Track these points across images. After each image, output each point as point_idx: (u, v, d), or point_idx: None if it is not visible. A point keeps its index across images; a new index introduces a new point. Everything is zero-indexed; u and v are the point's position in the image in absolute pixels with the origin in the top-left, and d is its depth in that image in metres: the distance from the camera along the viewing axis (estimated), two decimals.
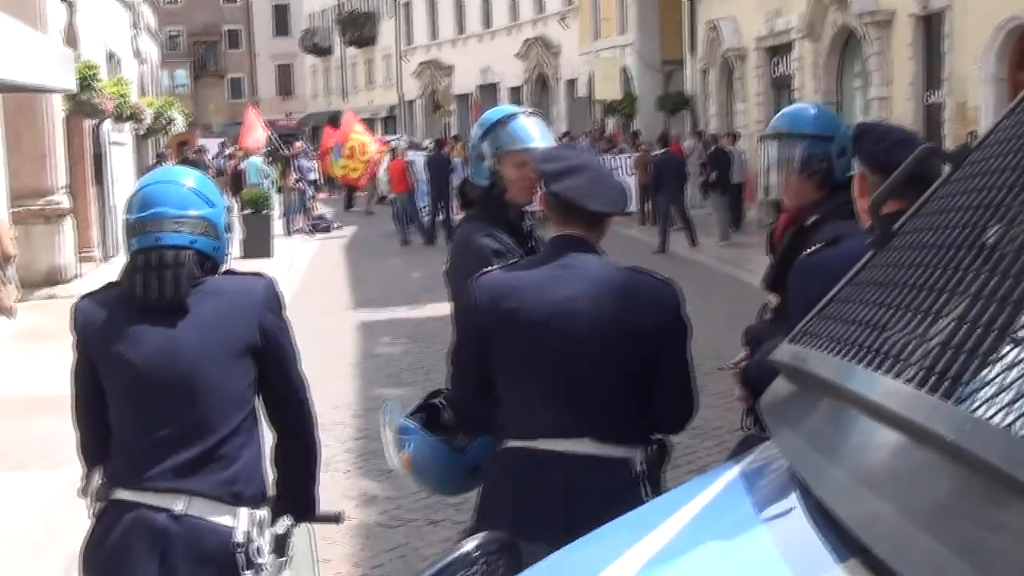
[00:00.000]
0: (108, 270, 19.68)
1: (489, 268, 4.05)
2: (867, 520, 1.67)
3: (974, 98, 19.71)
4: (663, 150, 26.20)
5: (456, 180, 23.94)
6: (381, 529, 7.57)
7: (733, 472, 2.45)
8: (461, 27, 55.92)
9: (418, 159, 30.61)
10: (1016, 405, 1.50)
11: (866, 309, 2.19)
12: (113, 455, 3.68)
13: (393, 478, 8.56)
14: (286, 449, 3.90)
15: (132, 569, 3.52)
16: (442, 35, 57.91)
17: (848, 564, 1.74)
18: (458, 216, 4.88)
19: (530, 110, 4.93)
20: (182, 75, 79.68)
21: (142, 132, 27.69)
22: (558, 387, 3.75)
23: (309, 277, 22.44)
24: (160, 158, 30.31)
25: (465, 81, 53.67)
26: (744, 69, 30.36)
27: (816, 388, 2.21)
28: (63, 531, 7.18)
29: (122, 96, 21.81)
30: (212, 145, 46.98)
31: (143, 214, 3.68)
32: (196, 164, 31.76)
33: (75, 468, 3.85)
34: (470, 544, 2.52)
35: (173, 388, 3.59)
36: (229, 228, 3.96)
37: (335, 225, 33.34)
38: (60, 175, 18.72)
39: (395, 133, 52.88)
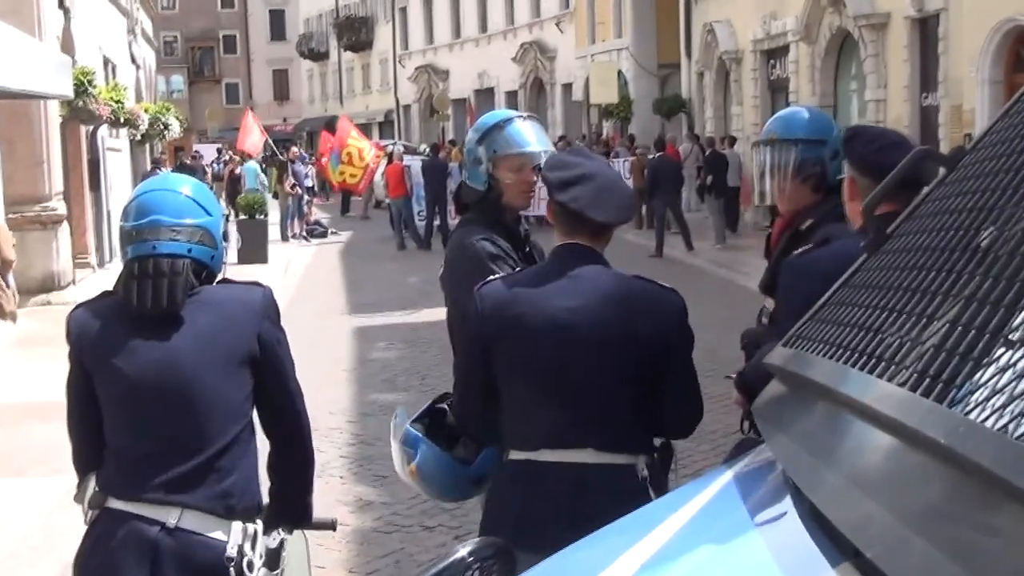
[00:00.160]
0: (103, 276, 19.68)
1: (492, 277, 4.03)
2: (860, 524, 1.67)
3: (970, 100, 19.71)
4: (659, 154, 26.20)
5: (452, 185, 23.96)
6: (376, 535, 7.56)
7: (727, 476, 2.44)
8: (457, 32, 55.91)
9: (414, 164, 30.61)
10: (1009, 408, 1.50)
11: (860, 312, 2.18)
12: (107, 465, 3.65)
13: (388, 484, 8.56)
14: (282, 459, 3.88)
15: None
16: (438, 40, 57.90)
17: (841, 568, 1.73)
18: (454, 220, 4.87)
19: (527, 114, 4.92)
20: (178, 80, 79.55)
21: (138, 138, 27.64)
22: (559, 396, 3.74)
23: (305, 282, 22.43)
24: (156, 164, 30.33)
25: (461, 86, 53.66)
26: (740, 72, 30.37)
27: (809, 391, 2.20)
28: (61, 537, 7.17)
29: (118, 102, 21.78)
30: (208, 151, 47.02)
31: (139, 222, 3.64)
32: (193, 170, 31.82)
33: (73, 474, 3.84)
34: (464, 550, 2.51)
35: (168, 400, 3.55)
36: (226, 237, 3.93)
37: (331, 230, 33.33)
38: (56, 181, 18.70)
39: (391, 138, 52.86)
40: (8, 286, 11.68)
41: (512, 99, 48.37)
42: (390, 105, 63.70)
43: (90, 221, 21.89)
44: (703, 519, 2.27)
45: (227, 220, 4.69)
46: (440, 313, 4.97)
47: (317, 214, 35.59)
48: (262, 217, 26.00)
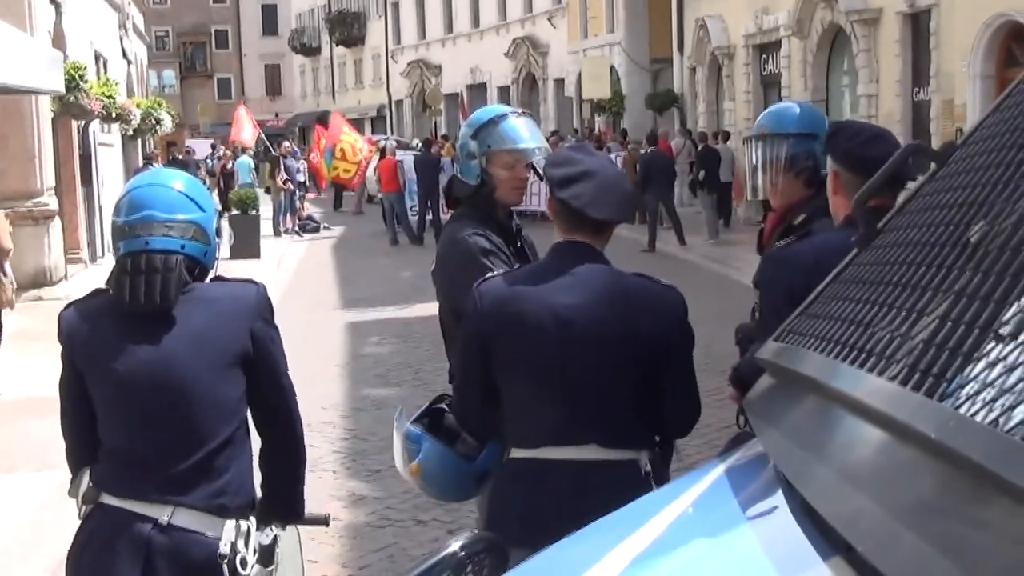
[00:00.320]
0: (95, 272, 19.66)
1: (492, 274, 4.03)
2: (851, 518, 1.67)
3: (961, 95, 19.74)
4: (651, 149, 26.19)
5: (445, 180, 23.95)
6: (369, 529, 7.56)
7: (718, 470, 2.44)
8: (450, 26, 55.88)
9: (407, 159, 30.58)
10: (1000, 402, 1.50)
11: (850, 307, 2.18)
12: (101, 461, 3.64)
13: (381, 478, 8.57)
14: (273, 455, 3.86)
15: None
16: (431, 35, 57.87)
17: (832, 562, 1.74)
18: (447, 215, 4.87)
19: (520, 110, 4.92)
20: (170, 75, 79.51)
21: (130, 133, 27.61)
22: (559, 394, 3.73)
23: (297, 277, 22.42)
24: (149, 160, 30.27)
25: (454, 81, 53.65)
26: (733, 67, 30.37)
27: (800, 386, 2.20)
28: (52, 533, 7.16)
29: (110, 97, 21.74)
30: (200, 146, 46.92)
31: (131, 217, 3.61)
32: (186, 165, 31.79)
33: (64, 470, 3.83)
34: (456, 544, 2.51)
35: (162, 398, 3.54)
36: (219, 232, 3.91)
37: (323, 225, 33.31)
38: (47, 176, 18.66)
39: (384, 133, 52.88)
40: (5, 275, 11.72)
41: (504, 94, 48.36)
42: (382, 100, 63.68)
43: (82, 216, 21.86)
44: (694, 513, 2.27)
45: (220, 216, 4.66)
46: (433, 308, 4.97)
47: (309, 209, 35.55)
48: (254, 212, 25.97)
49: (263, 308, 3.73)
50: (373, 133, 52.78)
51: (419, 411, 4.40)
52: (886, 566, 1.51)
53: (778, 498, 2.06)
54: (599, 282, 3.78)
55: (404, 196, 29.18)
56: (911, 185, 3.14)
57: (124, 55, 32.51)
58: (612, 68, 37.28)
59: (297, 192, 32.55)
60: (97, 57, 26.08)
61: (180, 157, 38.48)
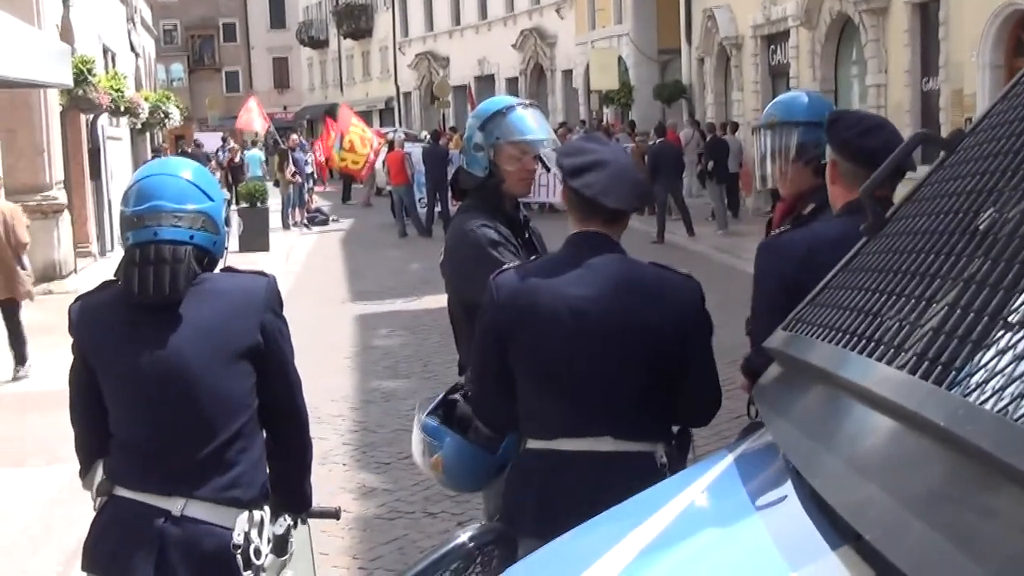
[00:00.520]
0: (105, 265, 19.68)
1: (508, 265, 4.02)
2: (860, 507, 1.66)
3: (971, 85, 19.70)
4: (660, 140, 26.15)
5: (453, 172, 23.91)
6: (379, 522, 7.56)
7: (727, 460, 2.44)
8: (457, 18, 55.81)
9: (415, 151, 30.57)
10: (1009, 390, 1.49)
11: (859, 295, 2.18)
12: (113, 453, 3.64)
13: (391, 471, 8.57)
14: (280, 448, 3.85)
15: (128, 570, 3.49)
16: (438, 26, 57.81)
17: (841, 551, 1.73)
18: (455, 207, 4.86)
19: (528, 101, 4.91)
20: (178, 69, 79.53)
21: (138, 126, 27.67)
22: (575, 385, 3.72)
23: (306, 270, 22.42)
24: (157, 152, 30.30)
25: (462, 72, 53.59)
26: (741, 58, 30.33)
27: (809, 375, 2.20)
28: (61, 527, 7.18)
29: (118, 91, 21.79)
30: (208, 139, 46.94)
31: (140, 207, 3.58)
32: (196, 159, 31.80)
33: (72, 464, 3.83)
34: (465, 535, 2.51)
35: (172, 391, 3.53)
36: (227, 222, 3.90)
37: (332, 218, 33.31)
38: (56, 170, 18.70)
39: (392, 125, 52.81)
40: (24, 267, 12.00)
41: (512, 86, 48.31)
42: (390, 92, 63.63)
43: (91, 210, 21.90)
44: (703, 503, 2.27)
45: (228, 206, 4.67)
46: (442, 300, 4.96)
47: (318, 202, 35.58)
48: (263, 205, 26.00)
49: (273, 301, 3.72)
50: (381, 125, 52.72)
51: (434, 403, 4.39)
52: (895, 555, 1.51)
53: (787, 488, 2.06)
54: (614, 273, 3.76)
55: (413, 188, 29.19)
56: (910, 175, 3.14)
57: (132, 49, 32.55)
58: (620, 59, 37.24)
59: (306, 185, 32.56)
60: (105, 51, 26.11)
61: (189, 150, 38.50)
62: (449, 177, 25.67)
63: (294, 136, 35.26)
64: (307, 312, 15.11)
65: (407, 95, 61.89)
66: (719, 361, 3.88)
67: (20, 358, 12.15)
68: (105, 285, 3.73)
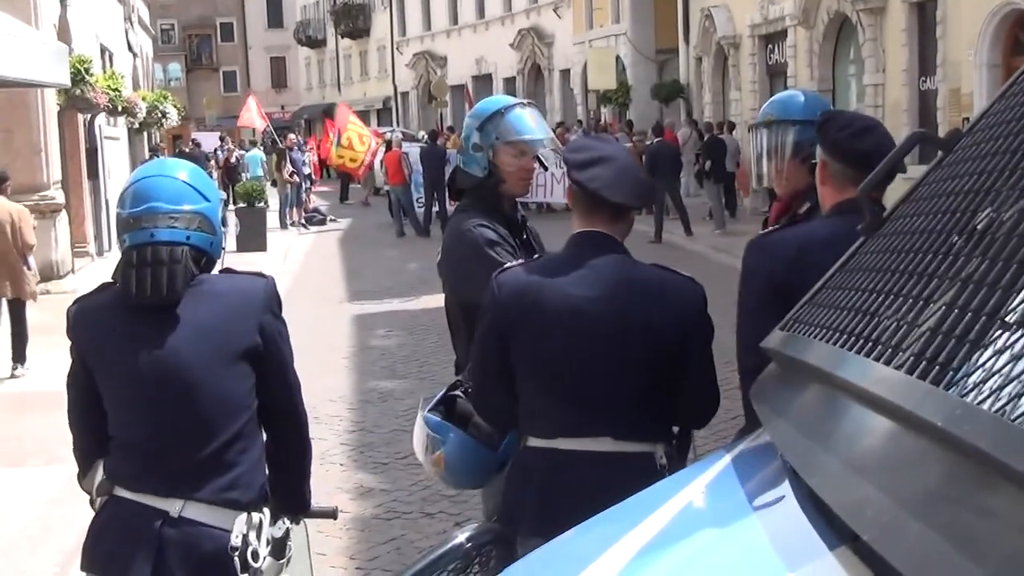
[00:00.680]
0: (102, 265, 19.68)
1: (510, 264, 4.02)
2: (858, 507, 1.66)
3: (968, 84, 19.71)
4: (657, 139, 26.16)
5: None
6: (377, 522, 7.56)
7: (725, 460, 2.44)
8: (455, 18, 55.84)
9: (412, 150, 30.58)
10: (1007, 390, 1.49)
11: (857, 295, 2.18)
12: (112, 454, 3.64)
13: (388, 471, 8.58)
14: (279, 449, 3.85)
15: (126, 571, 3.49)
16: (436, 26, 57.82)
17: (839, 551, 1.73)
18: (453, 207, 4.87)
19: (526, 101, 4.92)
20: (175, 68, 79.47)
21: (136, 126, 27.66)
22: (575, 385, 3.73)
23: (304, 270, 22.42)
24: (155, 152, 30.27)
25: (459, 72, 53.59)
26: (738, 57, 30.35)
27: (807, 375, 2.20)
28: (59, 527, 7.18)
29: (115, 90, 21.78)
30: (206, 139, 46.94)
31: (136, 209, 3.58)
32: (195, 158, 31.81)
33: (71, 464, 3.83)
34: (462, 536, 2.51)
35: (171, 392, 3.52)
36: (224, 222, 3.90)
37: (330, 218, 33.31)
38: (54, 170, 18.69)
39: (390, 125, 52.80)
40: (29, 268, 12.23)
41: (510, 85, 48.32)
42: (388, 92, 63.63)
43: (88, 210, 21.88)
44: (701, 503, 2.27)
45: (225, 206, 4.67)
46: (439, 300, 4.96)
47: (316, 201, 35.58)
48: (261, 205, 25.99)
49: (272, 302, 3.71)
50: (379, 125, 52.74)
51: (435, 399, 4.40)
52: (893, 555, 1.50)
53: (785, 488, 2.06)
54: (616, 274, 3.76)
55: (410, 188, 29.19)
56: (901, 176, 3.14)
57: (130, 48, 32.54)
58: (618, 58, 37.25)
59: (303, 185, 32.57)
60: (103, 50, 26.10)
61: (186, 150, 38.50)
62: (447, 177, 25.89)
63: (291, 136, 35.27)
64: (305, 312, 15.10)
65: (405, 95, 61.90)
66: (717, 361, 3.88)
67: (20, 357, 12.25)
68: (103, 287, 3.72)
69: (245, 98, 35.85)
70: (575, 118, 40.71)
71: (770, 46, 29.19)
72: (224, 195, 27.64)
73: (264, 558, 3.58)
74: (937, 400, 1.59)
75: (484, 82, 51.00)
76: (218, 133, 51.65)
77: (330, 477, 8.30)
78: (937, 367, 1.67)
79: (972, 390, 1.56)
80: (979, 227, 1.88)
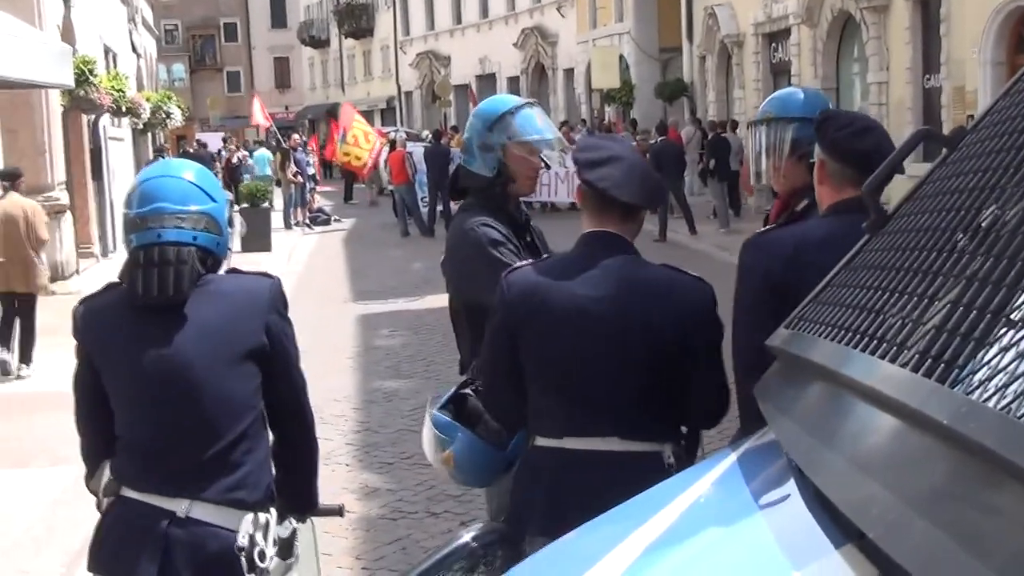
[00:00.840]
0: (107, 266, 19.69)
1: (520, 263, 4.03)
2: (863, 505, 1.66)
3: (972, 82, 19.69)
4: (661, 138, 26.15)
5: None
6: (382, 522, 7.56)
7: (730, 459, 2.44)
8: (458, 17, 55.83)
9: (417, 150, 30.58)
10: (1012, 388, 1.49)
11: (861, 293, 2.18)
12: (119, 454, 3.64)
13: (394, 471, 8.57)
14: (286, 449, 3.85)
15: (132, 571, 3.49)
16: (439, 25, 57.82)
17: (845, 549, 1.73)
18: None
19: (531, 101, 4.93)
20: (179, 69, 79.52)
21: (140, 127, 27.66)
22: (583, 384, 3.73)
23: (308, 270, 22.41)
24: (159, 153, 30.28)
25: (463, 72, 53.58)
26: (742, 55, 30.34)
27: (812, 373, 2.20)
28: (64, 528, 7.18)
29: (119, 91, 21.78)
30: (210, 139, 46.96)
31: (143, 209, 3.58)
32: (201, 159, 31.84)
33: (76, 465, 3.83)
34: (468, 535, 2.51)
35: (177, 392, 3.53)
36: (231, 223, 3.90)
37: (334, 218, 33.31)
38: (58, 171, 18.69)
39: (393, 125, 52.80)
40: (42, 262, 12.52)
41: (514, 84, 48.32)
42: (392, 92, 63.64)
43: (93, 211, 21.90)
44: (706, 502, 2.27)
45: (231, 207, 4.68)
46: (444, 300, 4.96)
47: (320, 202, 35.59)
48: (265, 205, 26.01)
49: (277, 302, 3.72)
50: (383, 125, 52.70)
51: (445, 397, 4.40)
52: (898, 553, 1.50)
53: (790, 486, 2.06)
54: (624, 274, 3.76)
55: (414, 188, 29.19)
56: (898, 176, 3.13)
57: (133, 49, 32.55)
58: (621, 57, 37.25)
59: (307, 185, 32.58)
60: (106, 51, 26.12)
61: (191, 150, 38.50)
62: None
63: (295, 136, 35.27)
64: (309, 312, 15.10)
65: (408, 94, 61.92)
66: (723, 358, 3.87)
67: (26, 357, 12.32)
68: (109, 287, 3.72)
69: (250, 99, 35.87)
70: (579, 117, 40.71)
71: (774, 44, 29.19)
72: (230, 195, 27.65)
73: (271, 558, 3.59)
74: (942, 398, 1.59)
75: (488, 82, 50.99)
76: (221, 134, 51.64)
77: (335, 477, 8.29)
78: (942, 365, 1.67)
79: (977, 388, 1.56)
80: (984, 225, 1.88)
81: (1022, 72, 2.34)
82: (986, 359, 1.61)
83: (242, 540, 3.51)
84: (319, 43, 76.17)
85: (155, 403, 3.54)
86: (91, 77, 19.35)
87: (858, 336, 2.02)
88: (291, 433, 3.83)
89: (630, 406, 3.72)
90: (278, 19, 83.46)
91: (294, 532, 3.76)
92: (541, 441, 3.83)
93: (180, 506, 3.50)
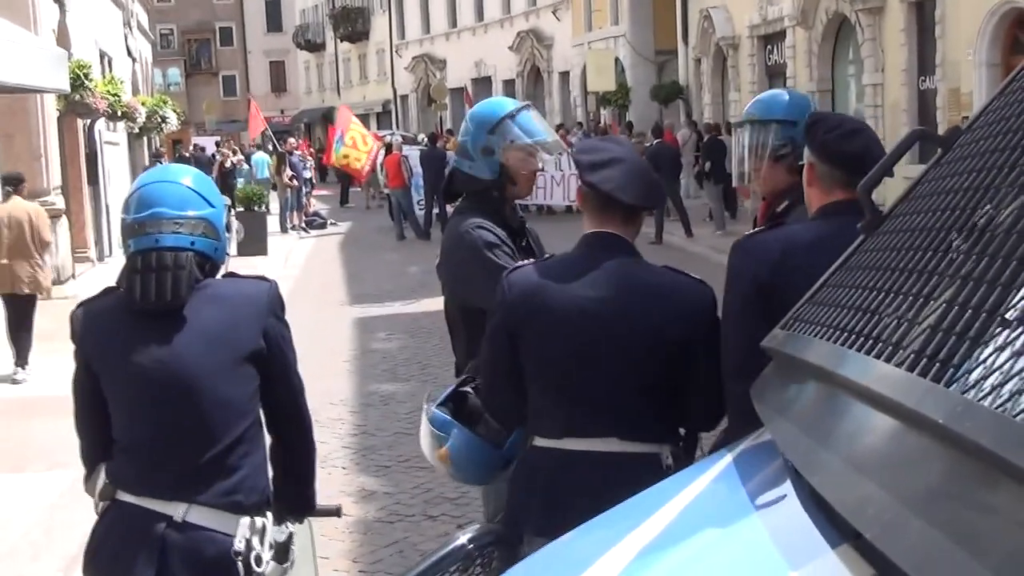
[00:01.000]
0: (103, 270, 19.69)
1: (520, 263, 4.04)
2: (859, 505, 1.66)
3: (967, 83, 19.71)
4: (657, 140, 26.16)
5: None
6: (379, 525, 7.56)
7: (726, 460, 2.44)
8: (454, 20, 55.85)
9: (413, 154, 30.58)
10: (1007, 387, 1.49)
11: (857, 293, 2.18)
12: (116, 458, 3.64)
13: (391, 474, 8.57)
14: (284, 452, 3.87)
15: (128, 574, 3.49)
16: (435, 29, 57.83)
17: (841, 550, 1.73)
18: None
19: (528, 103, 4.95)
20: (175, 73, 79.48)
21: (136, 131, 27.65)
22: (582, 385, 3.73)
23: (304, 274, 22.42)
24: (157, 157, 30.26)
25: (459, 75, 53.59)
26: (737, 58, 30.35)
27: (808, 374, 2.20)
28: (62, 532, 7.17)
29: (115, 95, 21.76)
30: (205, 143, 46.94)
31: (141, 215, 3.59)
32: (200, 162, 31.83)
33: (73, 470, 3.83)
34: (464, 537, 2.51)
35: (175, 397, 3.53)
36: (229, 227, 3.90)
37: (330, 221, 33.32)
38: (54, 175, 18.67)
39: (389, 128, 52.82)
40: (44, 265, 12.78)
41: (510, 87, 48.33)
42: (387, 95, 63.62)
43: (89, 215, 21.87)
44: (702, 503, 2.27)
45: (229, 211, 4.68)
46: (440, 303, 4.96)
47: (316, 205, 35.58)
48: (260, 209, 26.00)
49: (275, 305, 3.73)
50: (379, 128, 52.75)
51: (444, 395, 4.40)
52: (894, 552, 1.50)
53: (786, 486, 2.06)
54: (624, 275, 3.77)
55: (410, 191, 29.19)
56: (898, 176, 3.14)
57: (129, 53, 32.52)
58: (617, 60, 37.26)
59: (303, 189, 32.57)
60: (102, 55, 26.09)
61: (187, 155, 38.47)
62: None
63: (291, 140, 35.27)
64: (306, 315, 15.09)
65: (404, 98, 61.91)
66: None
67: (23, 360, 12.39)
68: (107, 291, 3.74)
69: (246, 103, 35.86)
70: (574, 120, 40.72)
71: (769, 47, 29.20)
72: (228, 200, 27.63)
73: (267, 563, 3.59)
74: (938, 397, 1.59)
75: (483, 85, 50.99)
76: (216, 137, 51.61)
77: (332, 480, 8.29)
78: (938, 364, 1.67)
79: (973, 387, 1.56)
80: (979, 224, 1.88)
81: (1017, 72, 2.34)
82: (981, 358, 1.61)
83: (239, 545, 3.51)
84: (315, 47, 76.17)
85: (153, 406, 3.55)
86: (86, 81, 19.33)
87: (854, 336, 2.02)
88: (289, 436, 3.85)
89: (630, 407, 3.72)
90: (273, 23, 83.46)
91: (290, 536, 3.76)
92: (540, 441, 3.83)
93: (177, 510, 3.50)
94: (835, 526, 1.77)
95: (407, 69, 59.79)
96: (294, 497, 3.87)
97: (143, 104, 26.47)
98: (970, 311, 1.69)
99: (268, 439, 3.84)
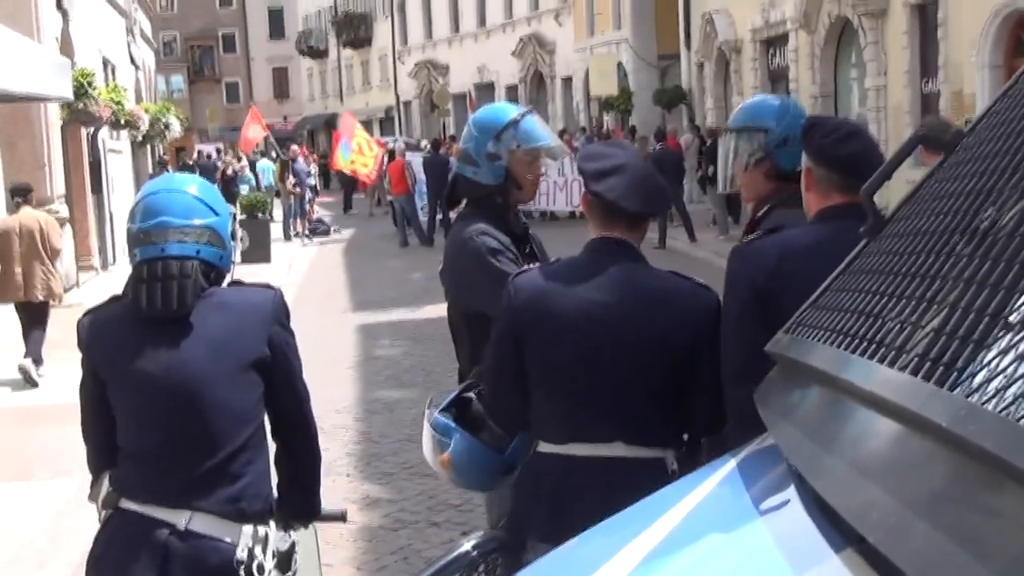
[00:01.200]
0: (107, 279, 19.71)
1: (526, 268, 4.05)
2: (863, 509, 1.66)
3: (970, 85, 19.71)
4: (660, 145, 26.16)
5: None
6: (383, 532, 7.56)
7: (730, 465, 2.44)
8: (456, 26, 55.87)
9: (416, 160, 30.60)
10: (1011, 391, 1.49)
11: (860, 297, 2.17)
12: (120, 466, 3.65)
13: (395, 481, 8.57)
14: (290, 460, 3.88)
15: None
16: (437, 35, 57.86)
17: (845, 554, 1.73)
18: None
19: (530, 108, 4.95)
20: (178, 80, 79.61)
21: (139, 139, 27.70)
22: (587, 390, 3.73)
23: (308, 281, 22.42)
24: (161, 165, 30.27)
25: (461, 80, 53.61)
26: (740, 62, 30.36)
27: (811, 378, 2.19)
28: (67, 540, 7.18)
29: (118, 103, 21.80)
30: (209, 150, 46.98)
31: (146, 224, 3.62)
32: (205, 170, 31.83)
33: (79, 477, 3.84)
34: (468, 544, 2.51)
35: (181, 404, 3.54)
36: (234, 236, 3.91)
37: (334, 228, 33.34)
38: (58, 184, 18.70)
39: (392, 134, 52.84)
40: (57, 272, 13.08)
41: (512, 93, 48.34)
42: (390, 101, 63.66)
43: (93, 223, 21.91)
44: (706, 508, 2.26)
45: (234, 219, 4.68)
46: (444, 309, 4.96)
47: (319, 212, 35.61)
48: (264, 216, 26.02)
49: (280, 313, 3.74)
50: (382, 135, 52.73)
51: (447, 400, 4.40)
52: (899, 557, 1.50)
53: (790, 491, 2.05)
54: (630, 280, 3.78)
55: (414, 197, 29.20)
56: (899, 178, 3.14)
57: (132, 61, 32.57)
58: (619, 65, 37.28)
59: (307, 196, 32.59)
60: (105, 63, 26.13)
61: (190, 162, 38.47)
62: None
63: (294, 147, 35.28)
64: (309, 323, 15.08)
65: (407, 104, 61.95)
66: None
67: (37, 360, 12.64)
68: (113, 299, 3.76)
69: (248, 109, 35.85)
70: (577, 125, 40.73)
71: (771, 50, 29.21)
72: (233, 208, 27.66)
73: (270, 571, 3.59)
74: (942, 401, 1.59)
75: (486, 90, 51.02)
76: (218, 145, 51.65)
77: (336, 488, 8.29)
78: (941, 368, 1.67)
79: (977, 391, 1.56)
80: (982, 227, 1.88)
81: (1019, 74, 2.34)
82: (985, 362, 1.61)
83: (241, 553, 3.51)
84: (317, 53, 76.21)
85: (160, 414, 3.56)
86: (90, 90, 19.37)
87: (857, 340, 2.02)
88: (294, 443, 3.86)
89: (635, 411, 3.72)
90: (276, 30, 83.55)
91: (293, 545, 3.77)
92: (545, 447, 3.83)
93: (181, 518, 3.50)
94: (839, 530, 1.77)
95: (410, 75, 59.82)
96: (299, 504, 3.88)
97: (146, 112, 26.52)
98: (973, 315, 1.69)
99: (272, 446, 3.85)
